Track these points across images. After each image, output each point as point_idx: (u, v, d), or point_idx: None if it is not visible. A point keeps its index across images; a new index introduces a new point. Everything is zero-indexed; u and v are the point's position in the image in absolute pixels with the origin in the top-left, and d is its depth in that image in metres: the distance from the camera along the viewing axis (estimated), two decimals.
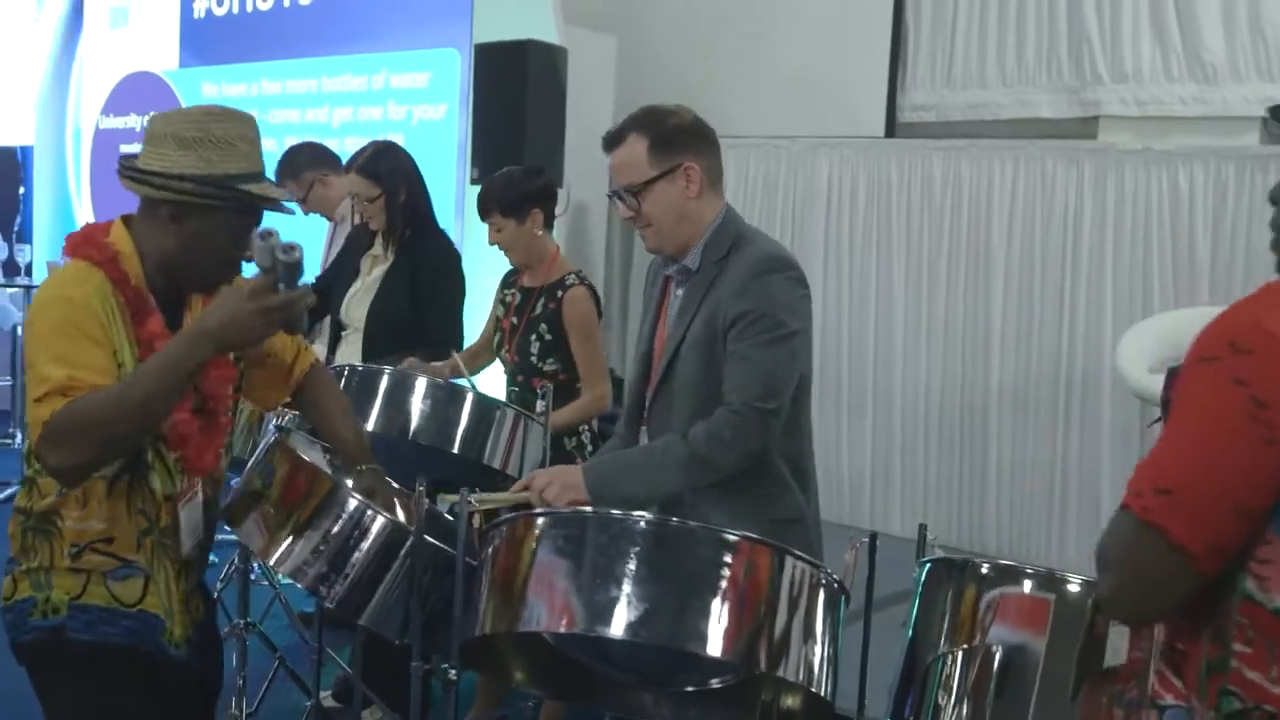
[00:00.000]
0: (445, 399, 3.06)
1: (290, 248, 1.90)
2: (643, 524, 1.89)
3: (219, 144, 2.01)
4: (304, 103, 6.65)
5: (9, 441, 7.52)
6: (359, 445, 2.45)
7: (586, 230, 5.82)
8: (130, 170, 2.05)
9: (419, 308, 3.77)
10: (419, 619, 2.20)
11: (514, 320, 3.65)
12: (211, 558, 4.85)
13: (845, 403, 5.55)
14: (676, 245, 2.51)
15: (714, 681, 2.15)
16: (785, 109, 5.78)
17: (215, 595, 4.21)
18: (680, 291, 2.55)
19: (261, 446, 2.40)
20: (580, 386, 3.57)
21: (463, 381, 3.15)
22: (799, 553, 1.94)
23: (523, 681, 2.23)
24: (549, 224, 3.67)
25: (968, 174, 5.22)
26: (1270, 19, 4.63)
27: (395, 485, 2.64)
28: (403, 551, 2.22)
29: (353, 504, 2.23)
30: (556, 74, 5.29)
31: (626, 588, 1.83)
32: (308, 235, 4.90)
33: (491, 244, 3.66)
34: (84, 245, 2.06)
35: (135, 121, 7.50)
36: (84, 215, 7.98)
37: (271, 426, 2.47)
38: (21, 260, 8.64)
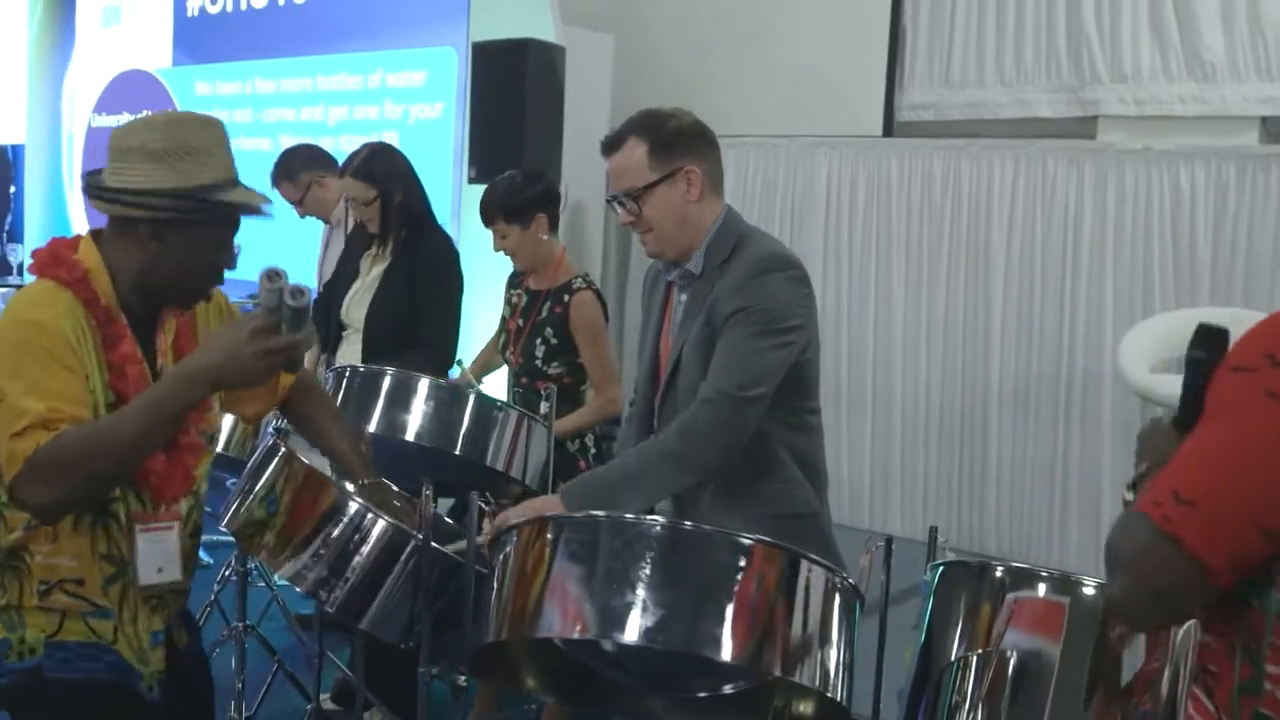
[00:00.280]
0: (448, 400, 3.04)
1: (299, 291, 1.86)
2: (658, 528, 1.86)
3: (191, 154, 1.93)
4: (299, 101, 6.62)
5: None
6: (358, 458, 2.36)
7: (584, 230, 5.79)
8: (99, 190, 1.96)
9: (417, 306, 3.74)
10: (427, 624, 2.18)
11: (520, 322, 3.63)
12: (208, 559, 4.85)
13: (845, 402, 5.53)
14: (677, 250, 2.49)
15: (726, 687, 2.13)
16: (783, 108, 5.76)
17: (213, 597, 4.22)
18: (684, 297, 2.53)
19: (260, 449, 2.37)
20: (584, 390, 3.56)
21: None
22: (815, 557, 1.92)
23: (534, 687, 2.21)
24: (554, 227, 3.65)
25: (967, 173, 5.21)
26: (1270, 18, 4.62)
27: (397, 490, 2.62)
28: (404, 555, 2.19)
29: (354, 508, 2.20)
30: (555, 73, 5.27)
31: (641, 593, 1.81)
32: (303, 237, 4.88)
33: (497, 250, 3.64)
34: (51, 264, 1.96)
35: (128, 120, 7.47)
36: (77, 214, 7.95)
37: (270, 429, 2.44)
38: (13, 260, 8.60)
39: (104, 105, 7.81)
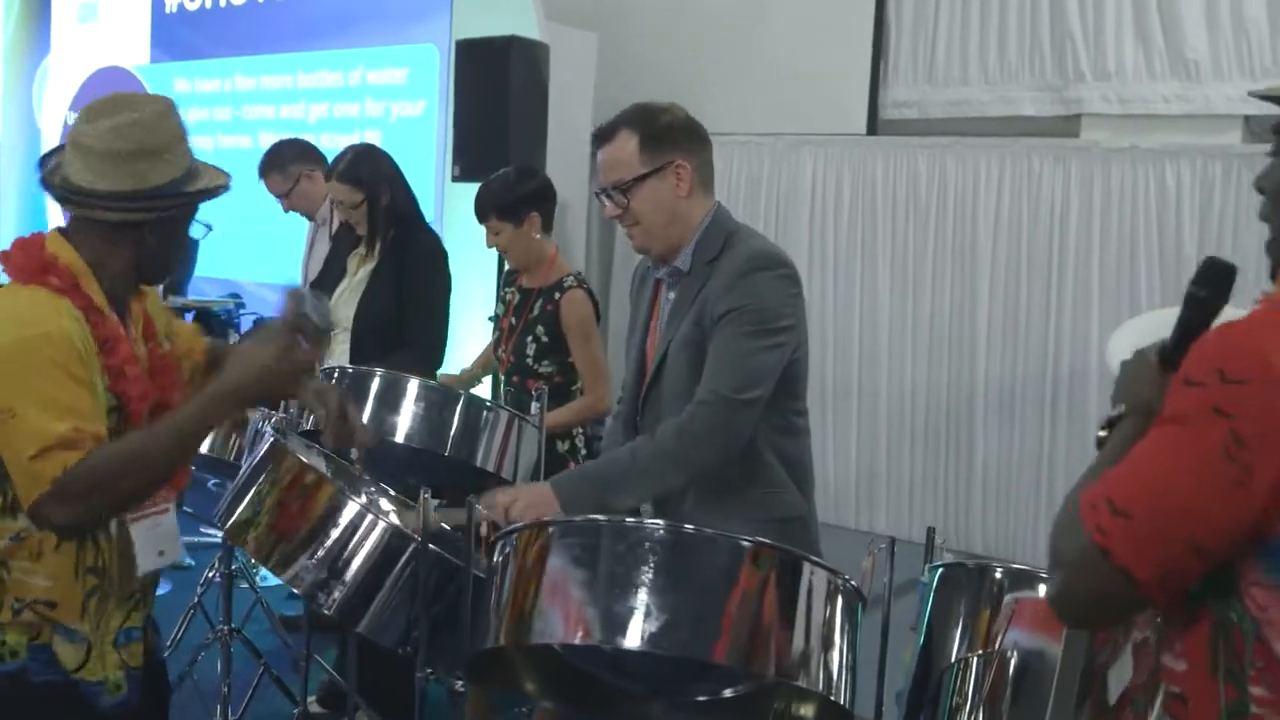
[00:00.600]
0: (438, 401, 3.01)
1: (325, 311, 2.02)
2: (660, 532, 1.84)
3: (160, 152, 1.94)
4: (279, 99, 6.57)
5: None
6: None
7: (566, 227, 5.76)
8: (76, 196, 1.93)
9: (405, 306, 3.72)
10: (425, 627, 2.15)
11: (512, 320, 3.63)
12: (190, 561, 4.79)
13: (830, 401, 5.52)
14: (664, 245, 2.47)
15: (727, 690, 2.11)
16: (768, 106, 5.75)
17: (196, 600, 4.17)
18: (672, 295, 2.52)
19: (260, 451, 2.34)
20: (575, 390, 3.55)
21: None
22: (817, 559, 1.91)
23: (533, 692, 2.18)
24: (547, 226, 3.65)
25: (953, 171, 5.21)
26: (1252, 16, 4.63)
27: (391, 491, 2.59)
28: (403, 559, 2.17)
29: (354, 509, 2.18)
30: (538, 70, 5.24)
31: (643, 597, 1.78)
32: (295, 235, 4.84)
33: (489, 247, 3.64)
34: (38, 271, 1.93)
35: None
36: (53, 212, 7.86)
37: (269, 429, 2.41)
38: None
39: (80, 103, 7.71)
